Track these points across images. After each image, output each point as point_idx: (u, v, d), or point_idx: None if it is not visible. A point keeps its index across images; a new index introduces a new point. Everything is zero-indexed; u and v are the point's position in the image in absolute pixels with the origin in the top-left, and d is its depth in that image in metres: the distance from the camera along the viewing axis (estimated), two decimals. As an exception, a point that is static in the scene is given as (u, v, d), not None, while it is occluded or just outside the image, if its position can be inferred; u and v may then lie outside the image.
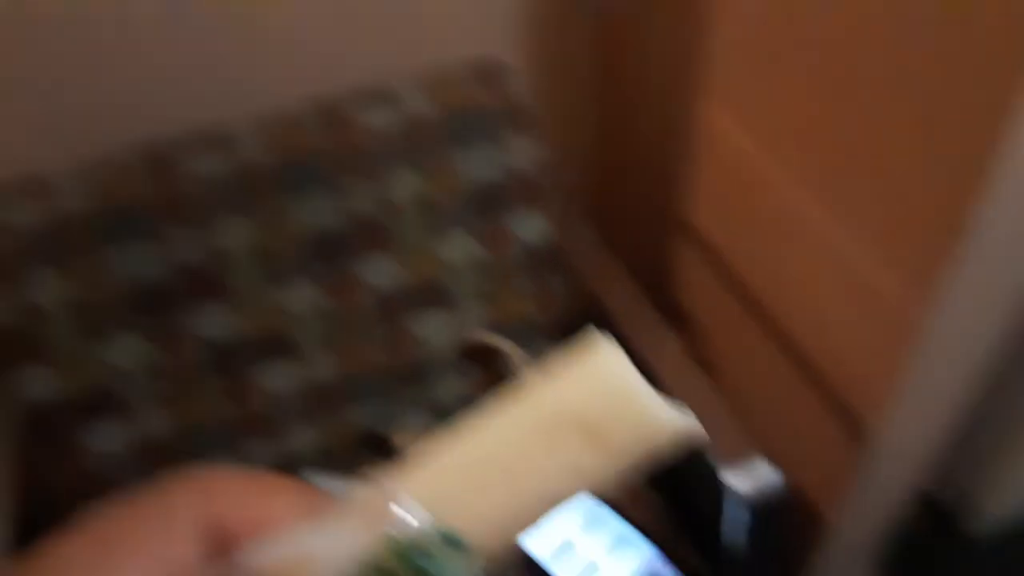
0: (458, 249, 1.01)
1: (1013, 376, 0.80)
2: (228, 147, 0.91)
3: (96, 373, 0.90)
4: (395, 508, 0.22)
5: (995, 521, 0.92)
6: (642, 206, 1.23)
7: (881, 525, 0.88)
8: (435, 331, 1.03)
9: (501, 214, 1.01)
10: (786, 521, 0.80)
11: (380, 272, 0.99)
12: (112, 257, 0.88)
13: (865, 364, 0.78)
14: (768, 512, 0.74)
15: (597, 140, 1.26)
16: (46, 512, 0.91)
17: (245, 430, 0.97)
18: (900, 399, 0.76)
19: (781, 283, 0.89)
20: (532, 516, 0.23)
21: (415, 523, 0.22)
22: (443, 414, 1.05)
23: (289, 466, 1.00)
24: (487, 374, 1.08)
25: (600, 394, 0.22)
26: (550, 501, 0.23)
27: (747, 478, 0.75)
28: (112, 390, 0.91)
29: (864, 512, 0.83)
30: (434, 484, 0.22)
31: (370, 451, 1.02)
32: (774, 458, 0.79)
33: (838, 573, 0.90)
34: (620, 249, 1.16)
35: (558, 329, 1.10)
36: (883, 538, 0.89)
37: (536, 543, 0.92)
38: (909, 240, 0.70)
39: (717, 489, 0.76)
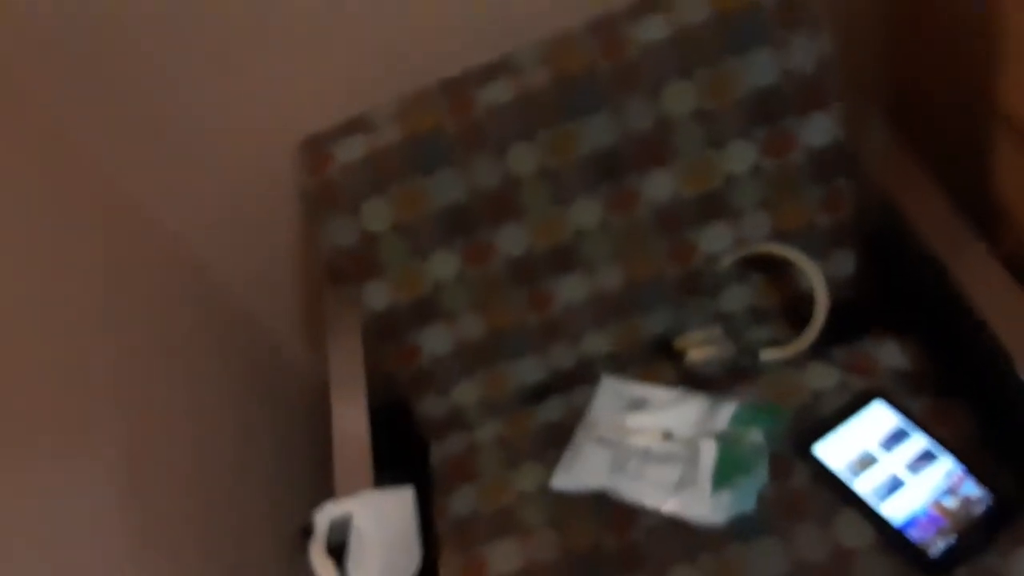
0: (738, 159, 1.00)
1: None
2: (510, 72, 0.97)
3: (422, 285, 1.04)
4: None
5: None
6: (949, 97, 1.11)
7: None
8: (717, 242, 1.04)
9: (783, 119, 0.98)
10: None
11: (659, 186, 1.01)
12: (424, 183, 0.99)
13: None
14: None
15: (889, 26, 1.15)
16: (392, 402, 1.10)
17: (546, 335, 1.08)
18: None
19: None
20: None
21: None
22: (729, 322, 1.07)
23: (586, 368, 1.09)
24: (774, 283, 1.07)
25: None
26: None
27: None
28: (435, 299, 1.05)
29: None
30: None
31: (658, 356, 1.08)
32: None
33: None
34: (925, 146, 1.06)
35: (849, 234, 1.05)
36: None
37: (832, 454, 0.91)
38: None
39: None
